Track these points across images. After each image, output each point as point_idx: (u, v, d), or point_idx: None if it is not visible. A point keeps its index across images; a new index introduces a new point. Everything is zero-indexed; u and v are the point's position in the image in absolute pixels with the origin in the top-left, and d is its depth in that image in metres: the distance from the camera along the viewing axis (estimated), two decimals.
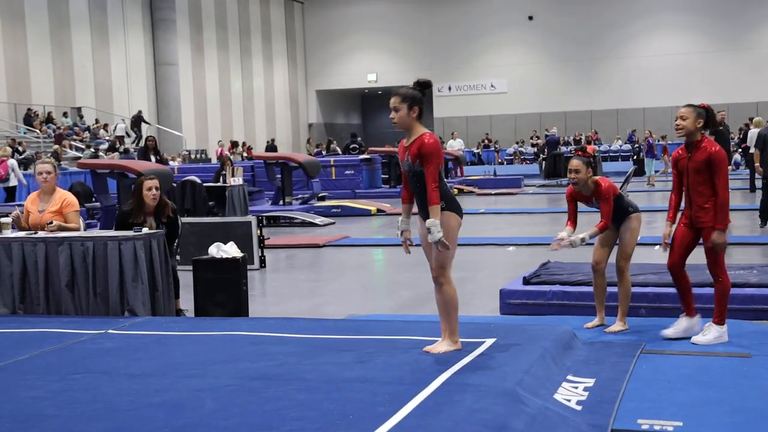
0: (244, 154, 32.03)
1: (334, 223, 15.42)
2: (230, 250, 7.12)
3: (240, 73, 38.42)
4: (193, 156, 30.29)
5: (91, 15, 29.43)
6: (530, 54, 40.42)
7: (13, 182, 17.40)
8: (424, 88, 5.04)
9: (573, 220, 6.03)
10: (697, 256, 5.70)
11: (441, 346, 5.03)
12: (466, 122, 41.13)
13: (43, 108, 26.98)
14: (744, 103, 36.03)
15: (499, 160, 37.52)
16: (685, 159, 5.49)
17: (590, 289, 6.30)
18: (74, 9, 28.59)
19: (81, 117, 28.59)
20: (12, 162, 17.79)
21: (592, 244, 6.14)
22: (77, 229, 7.14)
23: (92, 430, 3.90)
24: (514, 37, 40.44)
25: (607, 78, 39.35)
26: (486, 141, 39.61)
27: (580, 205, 6.06)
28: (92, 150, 24.56)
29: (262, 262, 10.16)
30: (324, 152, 32.49)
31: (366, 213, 16.99)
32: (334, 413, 3.97)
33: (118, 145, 25.96)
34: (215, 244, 7.19)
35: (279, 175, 17.40)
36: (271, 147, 35.00)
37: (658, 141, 26.24)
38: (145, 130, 28.62)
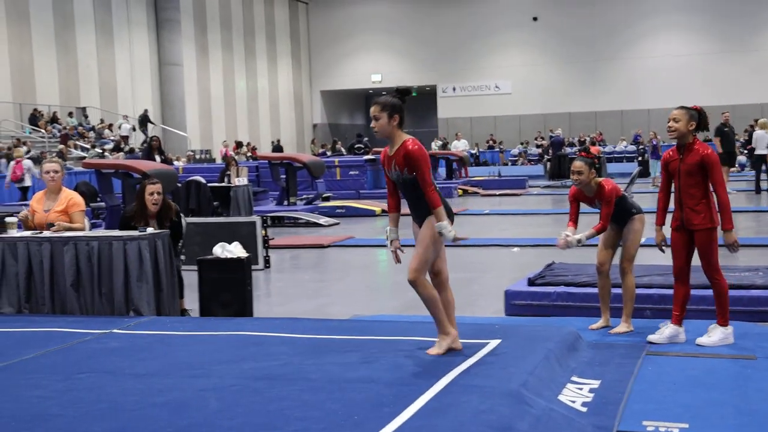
0: (249, 155, 32.06)
1: (338, 223, 15.43)
2: (235, 250, 7.12)
3: (244, 74, 38.46)
4: (197, 156, 30.34)
5: (96, 15, 29.47)
6: (535, 55, 40.40)
7: (28, 182, 17.49)
8: (403, 95, 5.02)
9: (574, 221, 6.03)
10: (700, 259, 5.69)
11: (440, 346, 5.01)
12: (471, 123, 41.11)
13: (48, 108, 27.03)
14: (749, 104, 35.98)
15: (504, 161, 37.49)
16: (676, 161, 5.48)
17: (595, 290, 6.29)
18: (79, 9, 28.64)
19: (86, 117, 28.63)
20: (27, 162, 17.88)
21: (592, 245, 6.13)
22: (82, 230, 7.15)
23: (97, 430, 3.91)
24: (519, 38, 40.43)
25: (612, 79, 39.32)
26: (491, 142, 39.58)
27: (583, 206, 6.06)
28: (98, 150, 24.60)
29: (267, 263, 10.16)
30: (329, 153, 32.51)
31: (370, 213, 16.99)
32: (338, 413, 3.97)
33: (122, 145, 26.00)
34: (220, 244, 7.19)
35: (283, 176, 17.40)
36: (277, 147, 35.05)
37: (663, 142, 26.20)
38: (150, 130, 28.66)
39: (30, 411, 4.22)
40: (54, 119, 26.73)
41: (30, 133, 25.11)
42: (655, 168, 24.84)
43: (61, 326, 6.27)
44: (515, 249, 11.12)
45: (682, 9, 38.21)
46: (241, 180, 15.54)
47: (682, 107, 5.50)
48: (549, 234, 11.98)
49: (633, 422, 4.05)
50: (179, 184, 14.23)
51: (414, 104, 48.53)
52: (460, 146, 31.75)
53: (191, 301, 7.32)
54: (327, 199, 18.81)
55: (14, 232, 7.10)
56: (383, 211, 17.20)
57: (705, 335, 5.50)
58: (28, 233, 7.07)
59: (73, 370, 4.99)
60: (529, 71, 40.30)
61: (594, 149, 6.33)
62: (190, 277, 7.52)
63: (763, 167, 18.62)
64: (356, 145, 26.49)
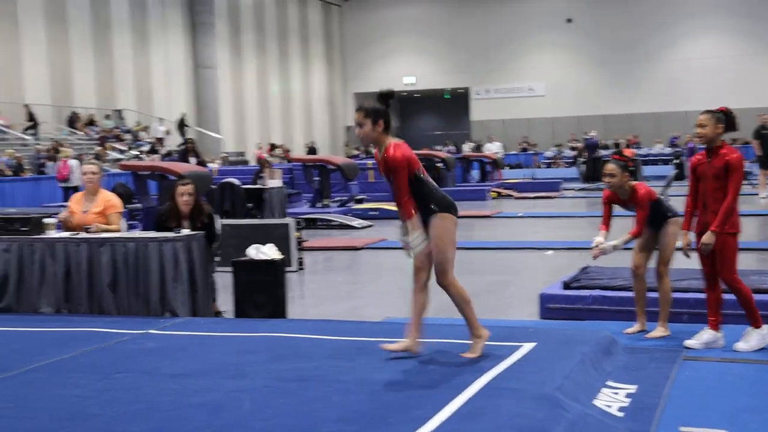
0: (282, 157, 32.19)
1: (371, 225, 15.44)
2: (269, 251, 7.15)
3: (278, 76, 38.65)
4: (230, 158, 30.52)
5: (133, 18, 29.79)
6: (568, 57, 40.12)
7: (74, 182, 17.69)
8: (386, 99, 4.96)
9: (606, 224, 5.98)
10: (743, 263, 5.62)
11: (475, 349, 4.98)
12: (504, 125, 40.93)
13: (85, 110, 27.38)
14: None
15: (537, 164, 37.24)
16: (704, 164, 5.45)
17: (630, 294, 6.24)
18: (115, 12, 28.97)
19: (122, 119, 28.96)
20: (73, 162, 18.09)
21: (627, 248, 6.08)
22: (118, 231, 7.23)
23: (134, 430, 3.95)
24: (552, 39, 40.16)
25: (648, 81, 38.91)
26: (524, 144, 39.36)
27: (618, 209, 6.02)
28: (137, 152, 24.87)
29: (300, 264, 10.20)
30: (364, 154, 32.46)
31: None
32: (371, 416, 3.98)
33: (158, 147, 26.24)
34: (253, 245, 7.23)
35: (317, 178, 17.46)
36: (312, 150, 35.24)
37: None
38: (186, 133, 28.89)
39: (69, 410, 4.28)
40: (91, 122, 27.07)
41: (68, 135, 25.43)
42: None
43: (98, 326, 6.34)
44: (549, 252, 11.05)
45: (719, 11, 37.72)
46: (274, 182, 15.61)
47: (707, 111, 5.46)
48: (582, 237, 11.89)
49: (670, 428, 4.01)
50: (213, 186, 14.34)
51: (446, 106, 48.22)
52: (493, 148, 31.60)
53: (225, 302, 7.37)
54: (360, 201, 18.83)
55: (53, 233, 7.21)
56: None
57: (741, 340, 5.44)
58: (66, 234, 7.17)
59: (111, 370, 5.05)
60: (563, 73, 40.03)
61: (628, 152, 6.26)
62: (225, 279, 7.58)
63: None
64: None
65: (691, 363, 5.16)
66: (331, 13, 43.43)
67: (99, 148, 23.76)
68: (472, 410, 3.99)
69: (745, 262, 7.56)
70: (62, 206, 11.25)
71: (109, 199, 7.34)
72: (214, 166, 23.38)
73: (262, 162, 17.05)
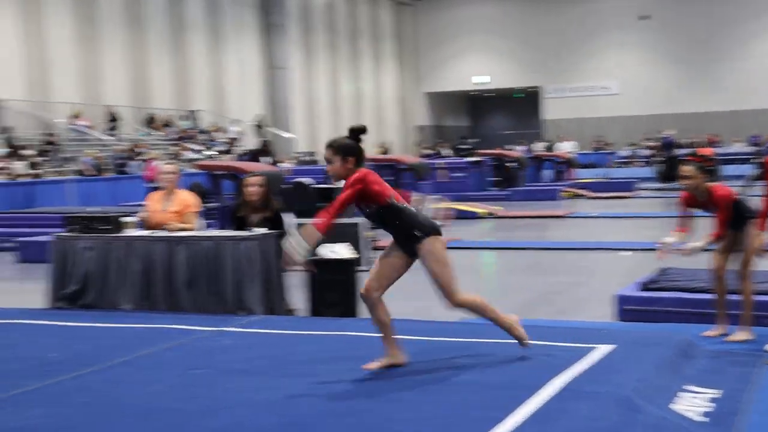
0: None
1: (443, 225, 15.37)
2: (341, 251, 7.19)
3: (349, 76, 38.86)
4: (303, 158, 30.82)
5: (207, 19, 30.31)
6: (643, 55, 39.33)
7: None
8: (357, 134, 4.84)
9: (684, 227, 5.83)
10: None
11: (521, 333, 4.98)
12: (577, 124, 40.37)
13: (161, 111, 27.98)
14: None
15: (611, 163, 36.60)
16: None
17: (710, 296, 6.08)
18: (190, 14, 29.51)
19: (196, 120, 29.50)
20: (159, 163, 18.53)
21: (709, 250, 5.92)
22: (193, 230, 7.38)
23: (211, 425, 4.02)
24: (626, 37, 39.43)
25: (724, 78, 37.85)
26: (600, 143, 38.72)
27: (695, 210, 5.86)
28: (215, 152, 25.31)
29: (372, 264, 10.21)
30: (440, 153, 32.31)
31: (474, 216, 16.89)
32: (446, 416, 3.97)
33: (231, 147, 26.66)
34: (324, 244, 7.27)
35: (389, 178, 17.49)
36: (385, 151, 35.39)
37: None
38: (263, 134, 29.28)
39: (147, 405, 4.38)
40: (167, 122, 27.65)
41: (145, 135, 26.03)
42: None
43: (176, 323, 6.48)
44: (628, 253, 10.83)
45: None
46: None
47: None
48: (657, 238, 11.64)
49: None
50: (282, 186, 14.48)
51: (517, 106, 47.89)
52: (565, 148, 31.18)
53: (297, 300, 7.44)
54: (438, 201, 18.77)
55: (133, 232, 7.39)
56: (489, 213, 17.09)
57: None
58: (146, 232, 7.35)
59: (188, 366, 5.15)
60: (638, 71, 39.27)
61: (707, 151, 6.09)
62: (296, 277, 7.64)
63: None
64: (461, 147, 26.38)
65: None
66: (402, 13, 43.46)
67: (176, 149, 24.27)
68: (548, 413, 3.94)
69: None
70: (141, 205, 11.53)
71: (185, 198, 7.49)
72: (287, 165, 23.65)
73: None
